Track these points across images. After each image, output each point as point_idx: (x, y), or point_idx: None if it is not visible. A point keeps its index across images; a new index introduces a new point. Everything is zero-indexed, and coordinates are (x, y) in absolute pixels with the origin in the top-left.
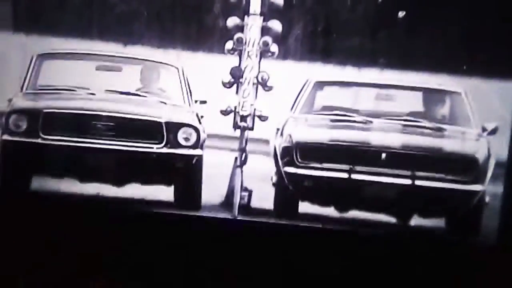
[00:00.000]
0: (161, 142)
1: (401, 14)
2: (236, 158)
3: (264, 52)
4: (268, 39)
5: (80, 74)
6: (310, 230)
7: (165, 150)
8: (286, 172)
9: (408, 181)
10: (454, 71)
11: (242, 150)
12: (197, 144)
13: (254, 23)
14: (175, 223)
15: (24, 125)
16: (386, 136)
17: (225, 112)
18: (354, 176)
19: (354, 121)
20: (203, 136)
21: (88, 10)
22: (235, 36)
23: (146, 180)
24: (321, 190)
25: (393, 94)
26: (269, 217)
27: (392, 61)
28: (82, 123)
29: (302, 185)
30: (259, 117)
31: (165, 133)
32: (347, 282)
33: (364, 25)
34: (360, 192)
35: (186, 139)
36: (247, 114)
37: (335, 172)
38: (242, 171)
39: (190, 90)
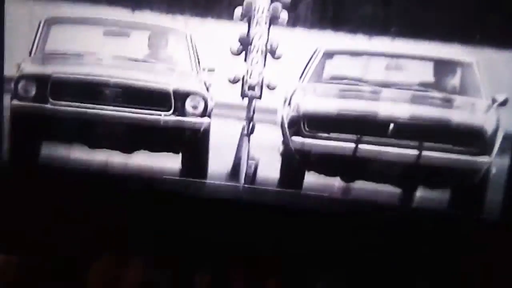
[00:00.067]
0: (169, 110)
1: None
2: (243, 127)
3: (273, 19)
4: (278, 5)
5: (88, 40)
6: (315, 198)
7: (172, 118)
8: (293, 142)
9: (415, 152)
10: (466, 41)
11: (250, 119)
12: (205, 113)
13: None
14: (181, 191)
15: (33, 91)
16: (395, 107)
17: (233, 81)
18: (361, 146)
19: (363, 91)
20: (211, 104)
21: None
22: (245, 2)
23: (154, 147)
24: (328, 160)
25: (403, 64)
26: (275, 187)
27: (403, 30)
28: (90, 89)
29: (309, 155)
30: (267, 86)
31: (172, 101)
32: (348, 255)
33: None
34: (367, 162)
35: (194, 107)
36: (255, 83)
37: (342, 142)
38: (249, 140)
39: (198, 58)
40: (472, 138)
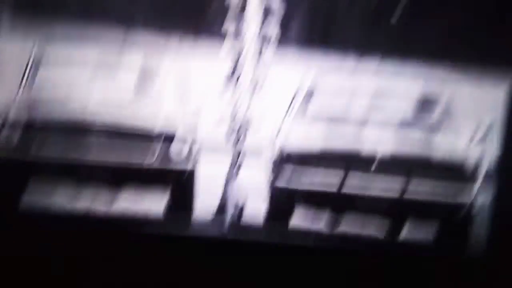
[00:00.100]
0: (154, 154)
1: (397, 13)
2: (229, 166)
3: (260, 57)
4: (265, 41)
5: (74, 83)
6: (302, 248)
7: (157, 161)
8: (279, 180)
9: (399, 188)
10: (446, 75)
11: (236, 158)
12: (190, 155)
13: (251, 29)
14: (165, 242)
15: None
16: (378, 143)
17: (218, 121)
18: (347, 183)
19: (347, 128)
20: (196, 146)
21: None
22: (232, 37)
23: (139, 193)
24: (314, 198)
25: (386, 100)
26: (260, 232)
27: (391, 52)
28: (75, 131)
29: (295, 193)
30: (254, 123)
31: (158, 144)
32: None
33: (364, 16)
34: (352, 199)
35: (179, 150)
36: (240, 124)
37: (328, 179)
38: (235, 180)
39: (184, 98)
40: (454, 173)
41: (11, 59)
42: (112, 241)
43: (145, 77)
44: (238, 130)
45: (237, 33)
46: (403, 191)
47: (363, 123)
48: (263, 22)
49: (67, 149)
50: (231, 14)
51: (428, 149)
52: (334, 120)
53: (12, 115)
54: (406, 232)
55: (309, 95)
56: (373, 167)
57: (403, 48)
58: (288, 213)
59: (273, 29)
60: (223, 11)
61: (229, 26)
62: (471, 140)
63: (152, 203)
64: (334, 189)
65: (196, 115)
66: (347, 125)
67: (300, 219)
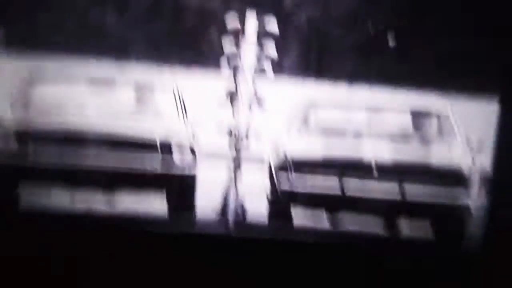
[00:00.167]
0: (156, 162)
1: (391, 42)
2: (230, 177)
3: (259, 74)
4: (263, 61)
5: (73, 97)
6: (304, 245)
7: (159, 169)
8: (280, 188)
9: (398, 194)
10: (441, 91)
11: (237, 169)
12: (192, 164)
13: (249, 46)
14: (169, 241)
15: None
16: (377, 152)
17: (220, 131)
18: (346, 191)
19: (346, 138)
20: (198, 155)
21: (83, 30)
22: (231, 58)
23: (140, 201)
24: (314, 205)
25: (382, 115)
26: (264, 231)
27: (381, 80)
28: (74, 142)
29: (295, 199)
30: (254, 136)
31: (159, 152)
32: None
33: (356, 47)
34: (352, 206)
35: (181, 158)
36: (242, 134)
37: (328, 187)
38: (237, 189)
39: (185, 109)
40: (451, 180)
41: (8, 74)
42: (120, 240)
43: (142, 92)
44: (239, 141)
45: (236, 57)
46: (403, 194)
47: (361, 135)
48: (260, 46)
49: (66, 158)
50: (229, 39)
51: (426, 157)
52: (333, 132)
53: (13, 125)
54: (406, 231)
55: (308, 110)
56: (372, 174)
57: (394, 75)
58: (289, 218)
59: (271, 53)
60: (222, 37)
61: (228, 50)
62: (466, 149)
63: (156, 206)
64: (335, 192)
65: (196, 127)
66: (346, 137)
67: (302, 221)
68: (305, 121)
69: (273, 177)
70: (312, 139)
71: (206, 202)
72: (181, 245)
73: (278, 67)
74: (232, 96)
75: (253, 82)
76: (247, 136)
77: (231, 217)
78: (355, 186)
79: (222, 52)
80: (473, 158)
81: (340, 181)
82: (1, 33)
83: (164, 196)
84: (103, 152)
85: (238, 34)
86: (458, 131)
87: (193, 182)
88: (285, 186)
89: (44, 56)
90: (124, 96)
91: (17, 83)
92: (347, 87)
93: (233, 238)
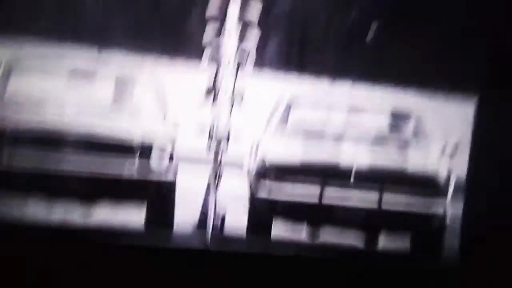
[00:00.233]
0: (134, 164)
1: (371, 31)
2: (209, 179)
3: (241, 63)
4: (243, 56)
5: (51, 89)
6: (283, 258)
7: (137, 172)
8: (259, 192)
9: (375, 200)
10: (419, 89)
11: (216, 170)
12: (170, 166)
13: (231, 34)
14: (146, 254)
15: None
16: (355, 156)
17: (199, 132)
18: (325, 195)
19: (324, 142)
20: (176, 157)
21: (62, 15)
22: (211, 54)
23: (117, 205)
24: (293, 210)
25: (361, 116)
26: (243, 238)
27: (363, 75)
28: (52, 140)
29: (275, 205)
30: (233, 138)
31: (137, 154)
32: None
33: (337, 41)
34: (330, 210)
35: (159, 160)
36: (221, 136)
37: (307, 191)
38: (216, 192)
39: (164, 110)
40: (426, 185)
41: None
42: (95, 253)
43: (122, 87)
44: (218, 142)
45: (216, 47)
46: (379, 202)
47: (339, 137)
48: (241, 37)
49: (42, 161)
50: (210, 28)
51: (402, 162)
52: (312, 134)
53: None
54: (383, 242)
55: (288, 109)
56: (350, 179)
57: (375, 71)
58: (269, 224)
59: (252, 44)
60: (203, 25)
61: (208, 39)
62: (442, 154)
63: (132, 215)
64: (313, 201)
65: (175, 126)
66: (324, 139)
67: (281, 230)
68: (284, 121)
69: (251, 185)
70: (291, 141)
71: (184, 212)
72: (157, 258)
73: (259, 61)
74: (212, 93)
75: (234, 74)
76: (227, 138)
77: (209, 229)
78: (333, 195)
79: (202, 42)
80: (449, 164)
81: (319, 189)
82: None
83: (141, 204)
84: (80, 156)
85: (218, 21)
86: (435, 134)
87: (171, 190)
88: (263, 195)
89: (20, 44)
90: (103, 91)
91: None
92: (329, 82)
93: (211, 252)
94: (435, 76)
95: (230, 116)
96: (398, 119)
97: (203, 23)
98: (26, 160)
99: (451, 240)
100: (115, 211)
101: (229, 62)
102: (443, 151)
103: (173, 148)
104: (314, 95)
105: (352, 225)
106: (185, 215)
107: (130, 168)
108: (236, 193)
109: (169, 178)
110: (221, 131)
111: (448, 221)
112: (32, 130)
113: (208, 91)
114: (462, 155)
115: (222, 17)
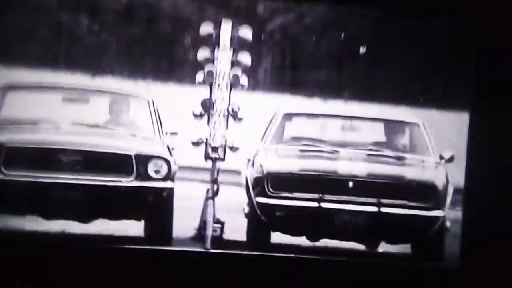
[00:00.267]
0: (131, 175)
1: (362, 50)
2: (208, 190)
3: (234, 84)
4: (238, 71)
5: (46, 107)
6: (283, 260)
7: (135, 183)
8: (257, 203)
9: (374, 208)
10: (412, 103)
11: (214, 181)
12: (168, 176)
13: (224, 56)
14: (146, 259)
15: None
16: (352, 165)
17: (196, 144)
18: (324, 205)
19: (322, 151)
20: (174, 168)
21: (56, 40)
22: (206, 69)
23: (115, 215)
24: (292, 220)
25: (357, 125)
26: (242, 249)
27: (355, 93)
28: (47, 157)
29: (274, 215)
30: (230, 148)
31: (134, 166)
32: None
33: (329, 60)
34: (330, 220)
35: (157, 171)
36: (218, 145)
37: (306, 201)
38: (214, 203)
39: (160, 122)
40: (425, 193)
41: None
42: (95, 257)
43: (118, 103)
44: (217, 151)
45: (209, 72)
46: (379, 207)
47: (338, 145)
48: (233, 60)
49: (40, 171)
50: (202, 52)
51: (400, 171)
52: (309, 143)
53: None
54: (384, 245)
55: (286, 118)
56: (349, 188)
57: (367, 90)
58: (268, 232)
59: (244, 67)
60: (195, 49)
61: (201, 63)
62: (440, 160)
63: (132, 223)
64: (313, 205)
65: (173, 136)
66: (322, 147)
67: (280, 237)
68: (281, 131)
69: (250, 191)
70: (288, 151)
71: (183, 218)
72: (157, 262)
73: (252, 79)
74: (207, 107)
75: (228, 91)
76: (223, 148)
77: (208, 233)
78: (331, 203)
79: (196, 61)
80: (446, 171)
81: (317, 196)
82: None
83: (140, 215)
84: (78, 168)
85: (211, 40)
86: (431, 143)
87: (170, 197)
88: (262, 200)
89: (16, 67)
90: (98, 109)
91: None
92: (321, 101)
93: (210, 255)
94: (428, 88)
95: (226, 128)
96: (393, 130)
97: (195, 47)
98: (25, 169)
99: (451, 246)
100: (113, 224)
101: (222, 80)
102: (440, 159)
103: (170, 159)
104: (308, 109)
105: (351, 233)
106: (183, 227)
107: (127, 180)
108: (235, 201)
109: (167, 190)
110: (217, 142)
111: (447, 226)
112: (29, 147)
113: (203, 107)
114: (458, 163)
115: (214, 41)
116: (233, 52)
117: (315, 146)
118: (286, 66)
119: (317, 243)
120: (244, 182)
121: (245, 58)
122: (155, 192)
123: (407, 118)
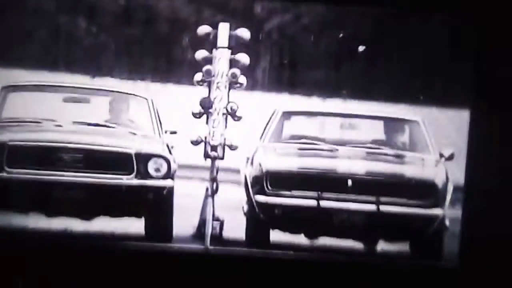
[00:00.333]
0: (131, 173)
1: (361, 49)
2: (207, 188)
3: (232, 84)
4: (236, 71)
5: (47, 106)
6: (282, 259)
7: (135, 181)
8: (257, 201)
9: (373, 206)
10: (412, 101)
11: (213, 179)
12: (168, 175)
13: (222, 55)
14: (146, 256)
15: None
16: (351, 163)
17: (195, 142)
18: (323, 203)
19: (321, 149)
20: (173, 166)
21: (55, 42)
22: (204, 68)
23: (116, 212)
24: (291, 218)
25: (356, 123)
26: (241, 247)
27: (354, 92)
28: (49, 155)
29: (272, 213)
30: (229, 146)
31: (135, 164)
32: None
33: (328, 58)
34: (328, 218)
35: (157, 169)
36: (217, 144)
37: (304, 199)
38: (213, 201)
39: (160, 121)
40: (424, 191)
41: None
42: (95, 256)
43: (118, 103)
44: (216, 150)
45: (207, 72)
46: (378, 205)
47: (336, 143)
48: (232, 60)
49: (42, 169)
50: (200, 53)
51: (399, 168)
52: (308, 141)
53: None
54: (383, 244)
55: (284, 117)
56: (348, 187)
57: (366, 89)
58: (267, 230)
59: (242, 68)
60: (193, 50)
61: (199, 64)
62: (440, 158)
63: (132, 221)
64: (311, 207)
65: (173, 134)
66: (321, 145)
67: (279, 235)
68: (280, 129)
69: (248, 189)
70: (287, 150)
71: (183, 216)
72: (157, 260)
73: (251, 78)
74: (206, 106)
75: (226, 90)
76: (223, 147)
77: (208, 231)
78: (330, 201)
79: (195, 61)
80: (445, 169)
81: (316, 194)
82: None
83: (140, 213)
84: (79, 166)
85: (209, 40)
86: (430, 141)
87: (170, 195)
88: (261, 198)
89: (16, 68)
90: (99, 108)
91: None
92: (320, 100)
93: (210, 252)
94: (428, 86)
95: (225, 127)
96: (393, 128)
97: (194, 47)
98: (26, 168)
99: (450, 245)
100: (114, 221)
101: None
102: (439, 158)
103: (170, 158)
104: (307, 108)
105: (350, 231)
106: (183, 225)
107: (127, 179)
108: (234, 200)
109: (167, 188)
110: (216, 141)
111: (446, 225)
112: (31, 146)
113: (202, 106)
114: (458, 161)
115: (212, 41)
116: (231, 51)
117: (314, 144)
118: (285, 65)
119: (316, 242)
120: (243, 180)
121: (243, 57)
122: (155, 190)
123: (406, 116)
